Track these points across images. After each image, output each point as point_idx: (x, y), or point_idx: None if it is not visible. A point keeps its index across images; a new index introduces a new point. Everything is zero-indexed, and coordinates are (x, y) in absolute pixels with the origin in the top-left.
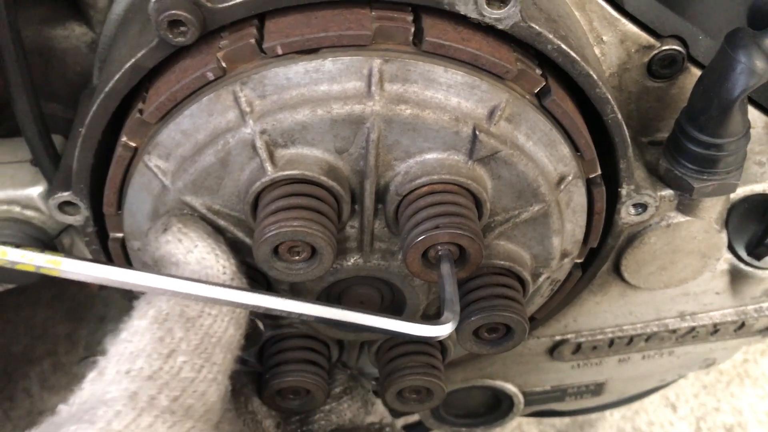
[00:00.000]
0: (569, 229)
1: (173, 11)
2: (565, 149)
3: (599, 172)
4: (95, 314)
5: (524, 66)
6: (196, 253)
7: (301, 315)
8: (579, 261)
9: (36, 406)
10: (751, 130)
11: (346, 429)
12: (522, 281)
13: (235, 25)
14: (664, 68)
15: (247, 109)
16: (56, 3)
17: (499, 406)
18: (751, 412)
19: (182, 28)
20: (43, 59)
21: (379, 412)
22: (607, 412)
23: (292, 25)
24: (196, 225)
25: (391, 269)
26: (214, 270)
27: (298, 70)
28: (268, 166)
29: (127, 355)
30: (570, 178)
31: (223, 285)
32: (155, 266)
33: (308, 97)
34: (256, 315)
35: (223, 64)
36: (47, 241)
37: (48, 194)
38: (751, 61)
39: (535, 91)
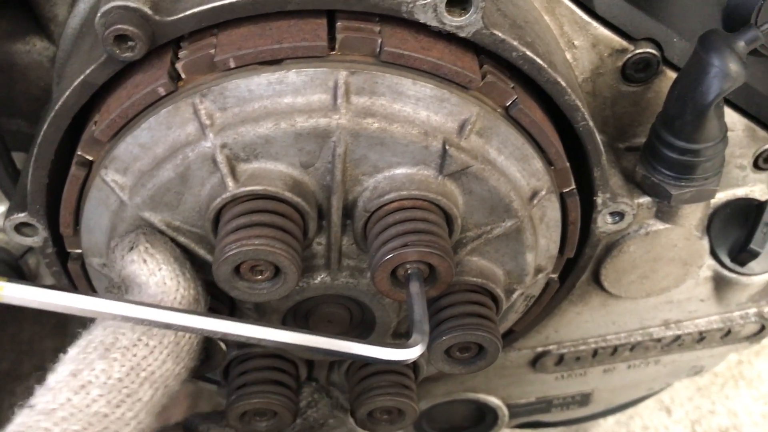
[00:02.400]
0: (543, 244)
1: (119, 26)
2: (537, 163)
3: (573, 186)
4: (75, 330)
5: (495, 78)
6: (158, 277)
7: (260, 340)
8: (554, 276)
9: None
10: (731, 133)
11: None
12: (495, 298)
13: (195, 34)
14: (638, 72)
15: (207, 122)
16: (17, 18)
17: (484, 419)
18: (747, 414)
19: (130, 43)
20: (5, 75)
21: None
22: (601, 419)
23: (245, 37)
24: (164, 246)
25: (360, 287)
26: (170, 296)
27: (261, 81)
28: (230, 182)
29: (43, 388)
30: (543, 192)
31: (173, 309)
32: (122, 284)
33: (271, 110)
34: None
35: (183, 75)
36: (12, 262)
37: (6, 215)
38: (725, 65)
39: (507, 104)
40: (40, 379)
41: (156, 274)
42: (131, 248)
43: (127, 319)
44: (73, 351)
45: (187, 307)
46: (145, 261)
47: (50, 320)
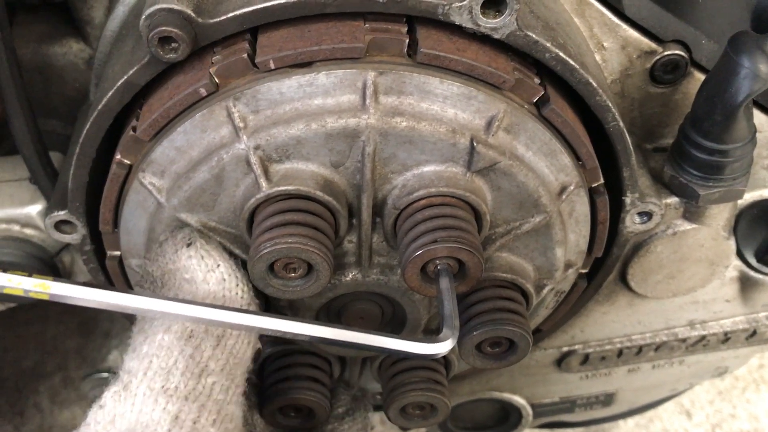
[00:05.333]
0: (572, 239)
1: (164, 28)
2: (565, 159)
3: (601, 181)
4: (101, 330)
5: (522, 75)
6: (218, 273)
7: (306, 337)
8: (584, 271)
9: (46, 422)
10: (759, 135)
11: None
12: (525, 294)
13: (227, 39)
14: (666, 74)
15: (241, 125)
16: (54, 20)
17: (508, 418)
18: None
19: (173, 45)
20: (42, 76)
21: (388, 423)
22: (621, 421)
23: (285, 39)
24: (216, 245)
25: (390, 284)
26: (232, 293)
27: (292, 84)
28: (263, 182)
29: (157, 370)
30: (572, 187)
31: (216, 306)
32: (161, 278)
33: (302, 112)
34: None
35: (216, 80)
36: (47, 259)
37: (45, 213)
38: (755, 65)
39: (534, 101)
40: (65, 379)
41: (215, 270)
42: (189, 243)
43: (172, 316)
44: (168, 336)
45: (248, 304)
46: (203, 257)
47: (73, 320)
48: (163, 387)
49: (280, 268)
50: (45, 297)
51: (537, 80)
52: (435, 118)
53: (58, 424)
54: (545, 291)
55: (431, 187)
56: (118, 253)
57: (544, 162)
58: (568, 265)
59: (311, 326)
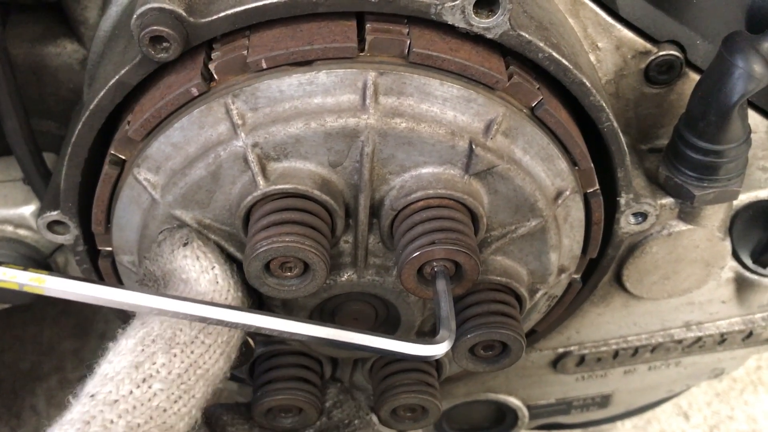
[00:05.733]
0: (567, 244)
1: (155, 27)
2: (562, 164)
3: (597, 186)
4: (97, 331)
5: (521, 79)
6: (211, 275)
7: (302, 336)
8: (577, 276)
9: (43, 424)
10: (754, 135)
11: None
12: (519, 297)
13: (227, 36)
14: (661, 74)
15: (239, 122)
16: (47, 21)
17: (504, 419)
18: (766, 420)
19: (165, 44)
20: (36, 77)
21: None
22: (618, 423)
23: (277, 39)
24: (213, 247)
25: (385, 285)
26: (222, 296)
27: (292, 82)
28: (260, 180)
29: (101, 377)
30: (568, 192)
31: (214, 304)
32: (163, 278)
33: (302, 110)
34: (248, 332)
35: (215, 76)
36: (41, 260)
37: (38, 213)
38: (749, 66)
39: (532, 105)
40: (62, 381)
41: (208, 272)
42: (185, 243)
43: (168, 313)
44: (129, 342)
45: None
46: (198, 258)
47: (69, 322)
48: (93, 393)
49: (276, 267)
50: (40, 291)
51: (536, 84)
52: (434, 120)
53: None
54: (538, 295)
55: (429, 189)
56: (110, 249)
57: (541, 166)
58: (561, 270)
59: (309, 326)
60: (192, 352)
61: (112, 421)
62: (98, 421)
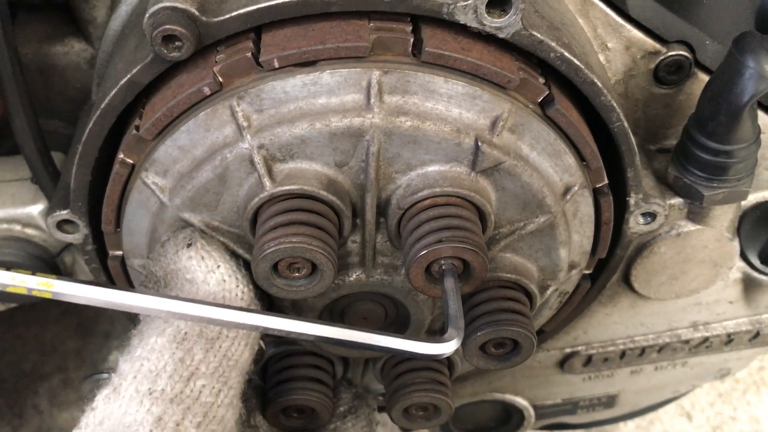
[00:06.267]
0: (576, 240)
1: (168, 26)
2: (570, 159)
3: (606, 181)
4: (101, 330)
5: (527, 75)
6: (218, 274)
7: (311, 336)
8: (588, 272)
9: (45, 423)
10: (762, 136)
11: None
12: (529, 294)
13: (230, 38)
14: (670, 74)
15: (245, 124)
16: (56, 20)
17: (510, 419)
18: None
19: (177, 43)
20: (44, 76)
21: (389, 425)
22: (621, 423)
23: (289, 38)
24: (218, 245)
25: (394, 284)
26: (232, 294)
27: (296, 83)
28: (267, 182)
29: (146, 373)
30: (576, 188)
31: (224, 306)
32: (164, 279)
33: (306, 111)
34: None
35: (220, 79)
36: (48, 259)
37: (47, 212)
38: (760, 66)
39: (538, 101)
40: (64, 380)
41: (215, 271)
42: (189, 244)
43: (177, 315)
44: (160, 339)
45: (248, 305)
46: (203, 258)
47: (73, 321)
48: (149, 389)
49: (284, 268)
50: (48, 296)
51: (542, 80)
52: (439, 118)
53: (58, 426)
54: (549, 292)
55: (435, 187)
56: (120, 253)
57: (549, 162)
58: (571, 266)
59: (318, 326)
60: (221, 346)
61: (178, 423)
62: (168, 422)
